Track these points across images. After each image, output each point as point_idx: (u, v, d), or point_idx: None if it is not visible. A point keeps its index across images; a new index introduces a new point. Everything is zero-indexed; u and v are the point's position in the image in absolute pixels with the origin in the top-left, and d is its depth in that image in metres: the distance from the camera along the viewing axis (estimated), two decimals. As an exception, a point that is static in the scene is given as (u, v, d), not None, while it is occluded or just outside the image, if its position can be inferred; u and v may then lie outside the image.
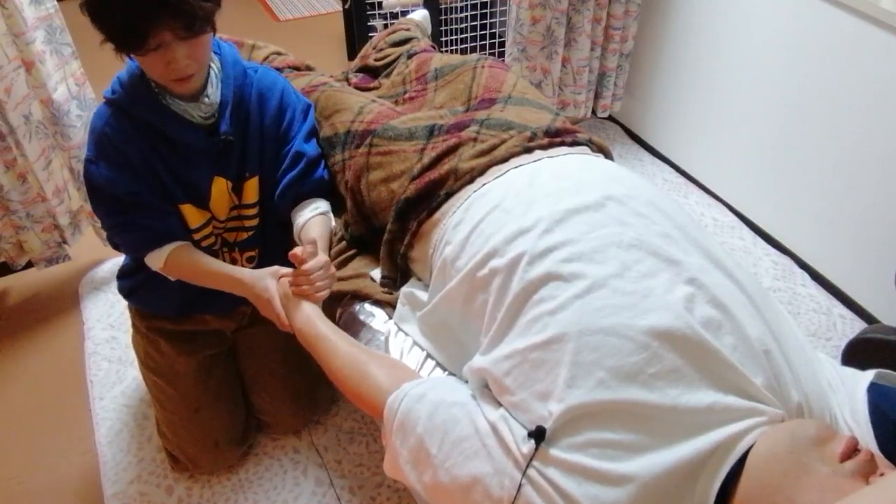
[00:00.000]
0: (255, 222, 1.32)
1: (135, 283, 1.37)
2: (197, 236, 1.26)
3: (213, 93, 1.16)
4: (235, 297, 1.20)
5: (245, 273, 1.19)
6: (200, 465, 1.45)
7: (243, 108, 1.21)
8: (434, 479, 0.83)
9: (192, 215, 1.24)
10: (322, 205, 1.28)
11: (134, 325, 1.43)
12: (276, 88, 1.26)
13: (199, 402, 1.40)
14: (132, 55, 1.05)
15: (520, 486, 0.75)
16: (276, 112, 1.25)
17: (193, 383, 1.40)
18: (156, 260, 1.20)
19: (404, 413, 0.88)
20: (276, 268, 1.16)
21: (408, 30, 1.72)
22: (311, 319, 1.07)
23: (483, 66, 1.38)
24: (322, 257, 1.12)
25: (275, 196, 1.27)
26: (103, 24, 1.00)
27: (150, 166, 1.16)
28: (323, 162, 1.31)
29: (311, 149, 1.29)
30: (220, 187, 1.23)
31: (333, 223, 1.30)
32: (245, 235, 1.33)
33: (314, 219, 1.25)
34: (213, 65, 1.17)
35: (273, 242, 1.35)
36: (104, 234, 1.95)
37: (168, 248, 1.19)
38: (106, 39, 1.02)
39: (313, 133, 1.32)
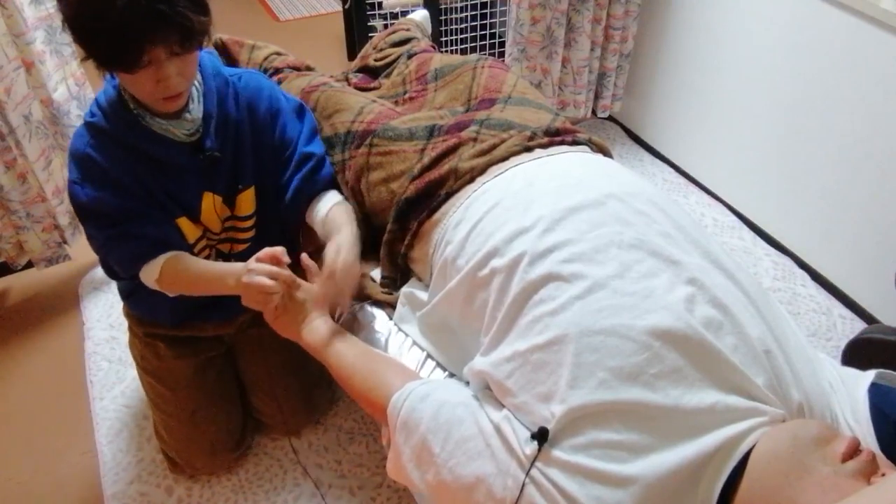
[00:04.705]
0: (250, 234, 1.29)
1: (131, 287, 1.34)
2: (194, 250, 1.24)
3: (195, 108, 1.12)
4: (234, 307, 1.15)
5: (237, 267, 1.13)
6: (197, 469, 1.45)
7: (231, 120, 1.18)
8: (437, 478, 0.83)
9: (188, 229, 1.21)
10: (336, 195, 1.26)
11: (131, 329, 1.42)
12: (262, 95, 1.22)
13: (195, 405, 1.39)
14: (119, 73, 0.99)
15: (523, 486, 0.75)
16: (267, 118, 1.23)
17: (190, 386, 1.39)
18: (150, 273, 1.14)
19: (408, 411, 0.88)
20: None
21: (408, 30, 1.72)
22: (316, 330, 1.07)
23: (483, 67, 1.38)
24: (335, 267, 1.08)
25: (285, 200, 1.24)
26: (94, 39, 0.93)
27: (139, 182, 1.12)
28: (328, 159, 1.30)
29: (316, 148, 1.27)
30: (209, 203, 1.21)
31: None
32: (241, 248, 1.31)
33: (334, 208, 1.21)
34: (194, 80, 1.12)
35: None
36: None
37: (162, 259, 1.13)
38: (90, 56, 0.95)
39: (314, 132, 1.31)
